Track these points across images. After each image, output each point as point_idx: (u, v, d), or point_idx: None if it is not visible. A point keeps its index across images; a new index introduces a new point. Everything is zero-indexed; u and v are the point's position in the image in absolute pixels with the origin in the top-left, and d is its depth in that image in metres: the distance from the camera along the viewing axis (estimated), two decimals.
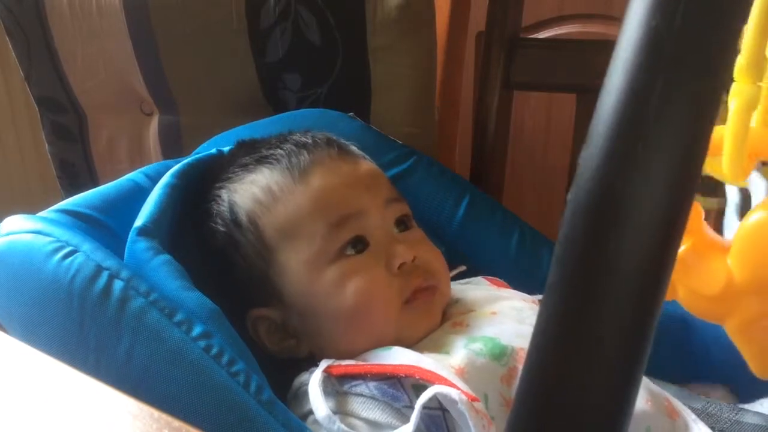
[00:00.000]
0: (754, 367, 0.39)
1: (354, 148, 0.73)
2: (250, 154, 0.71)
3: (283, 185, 0.66)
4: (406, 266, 0.64)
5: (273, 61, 0.94)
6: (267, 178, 0.67)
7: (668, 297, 0.34)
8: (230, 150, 0.76)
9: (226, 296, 0.65)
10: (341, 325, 0.63)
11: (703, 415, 0.62)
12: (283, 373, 0.63)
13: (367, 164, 0.71)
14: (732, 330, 0.38)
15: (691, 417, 0.59)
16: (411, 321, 0.64)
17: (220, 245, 0.68)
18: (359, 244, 0.65)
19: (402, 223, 0.68)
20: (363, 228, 0.65)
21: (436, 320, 0.66)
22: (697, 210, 0.36)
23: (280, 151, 0.69)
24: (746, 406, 0.65)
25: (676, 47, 0.22)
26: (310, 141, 0.70)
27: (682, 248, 0.36)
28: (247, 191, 0.68)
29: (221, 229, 0.68)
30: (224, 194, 0.69)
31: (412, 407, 0.52)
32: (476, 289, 0.72)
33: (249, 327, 0.66)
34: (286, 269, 0.65)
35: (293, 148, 0.68)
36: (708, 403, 0.64)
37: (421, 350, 0.60)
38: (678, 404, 0.60)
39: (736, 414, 0.62)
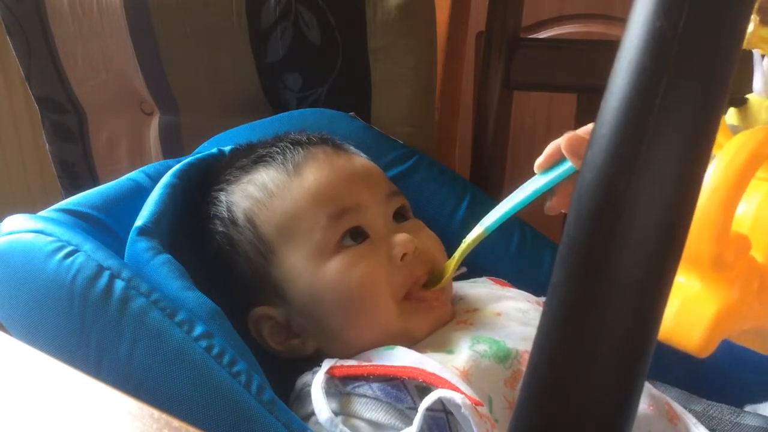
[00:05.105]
0: None
1: (350, 146, 0.73)
2: (247, 155, 0.71)
3: (278, 181, 0.66)
4: (408, 257, 0.64)
5: (273, 61, 0.94)
6: (262, 175, 0.68)
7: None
8: (228, 153, 0.76)
9: (227, 296, 0.65)
10: (347, 318, 0.63)
11: (704, 418, 0.62)
12: (284, 374, 0.63)
13: (362, 160, 0.72)
14: None
15: (691, 421, 0.59)
16: (417, 314, 0.63)
17: (219, 247, 0.68)
18: (359, 236, 0.65)
19: (401, 216, 0.69)
20: (362, 220, 0.65)
21: (445, 312, 0.66)
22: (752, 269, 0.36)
23: (275, 149, 0.69)
24: (747, 408, 0.65)
25: (680, 48, 0.22)
26: (304, 139, 0.70)
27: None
28: (244, 190, 0.68)
29: (219, 229, 0.68)
30: (221, 196, 0.69)
31: (415, 409, 0.52)
32: (480, 287, 0.72)
33: (251, 327, 0.66)
34: (286, 265, 0.65)
35: (288, 145, 0.69)
36: (709, 405, 0.64)
37: (425, 348, 0.59)
38: (678, 408, 0.60)
39: (737, 416, 0.62)
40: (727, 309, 0.34)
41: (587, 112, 0.94)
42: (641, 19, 0.23)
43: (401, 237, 0.64)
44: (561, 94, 1.20)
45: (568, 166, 0.53)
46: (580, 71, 0.93)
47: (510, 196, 0.58)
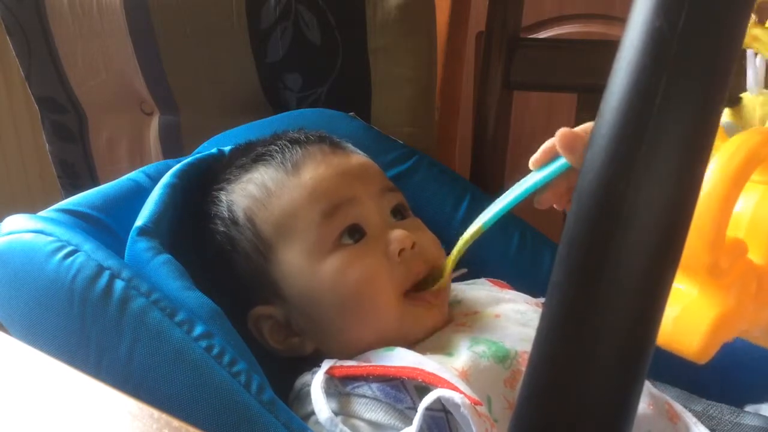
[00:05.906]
0: None
1: (348, 144, 0.73)
2: (247, 154, 0.71)
3: (276, 180, 0.67)
4: (406, 253, 0.64)
5: (273, 61, 0.94)
6: (262, 174, 0.68)
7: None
8: (229, 152, 0.76)
9: (227, 296, 0.65)
10: (345, 318, 0.63)
11: (704, 418, 0.62)
12: (284, 373, 0.63)
13: (359, 157, 0.72)
14: None
15: (691, 420, 0.59)
16: (414, 314, 0.63)
17: (219, 246, 0.68)
18: (356, 233, 0.65)
19: (398, 213, 0.69)
20: (358, 216, 0.65)
21: (441, 314, 0.65)
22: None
23: (274, 147, 0.69)
24: (747, 408, 0.65)
25: (680, 48, 0.22)
26: (302, 137, 0.70)
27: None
28: (244, 189, 0.68)
29: (220, 229, 0.68)
30: (222, 195, 0.69)
31: (415, 409, 0.52)
32: (479, 290, 0.72)
33: (251, 326, 0.66)
34: (285, 264, 0.65)
35: (287, 144, 0.69)
36: (709, 405, 0.64)
37: (424, 351, 0.59)
38: (678, 407, 0.60)
39: (736, 416, 0.62)
40: (725, 315, 0.34)
41: (587, 112, 0.94)
42: (641, 18, 0.23)
43: (398, 233, 0.64)
44: (561, 94, 1.20)
45: (562, 162, 0.54)
46: (580, 71, 0.93)
47: (506, 192, 0.58)
